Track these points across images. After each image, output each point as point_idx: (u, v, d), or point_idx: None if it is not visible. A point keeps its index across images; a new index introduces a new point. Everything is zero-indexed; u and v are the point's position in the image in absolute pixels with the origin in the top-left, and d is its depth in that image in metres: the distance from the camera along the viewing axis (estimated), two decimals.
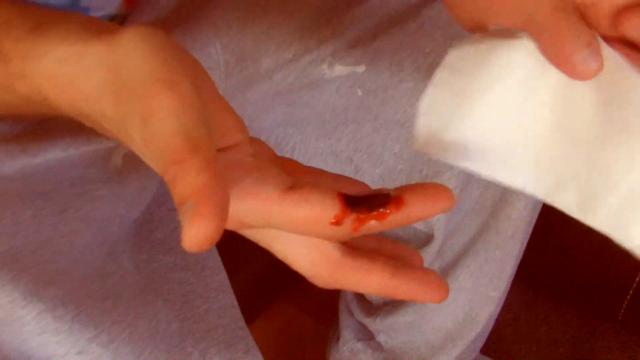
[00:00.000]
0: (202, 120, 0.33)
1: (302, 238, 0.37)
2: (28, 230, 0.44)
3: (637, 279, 0.92)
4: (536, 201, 0.72)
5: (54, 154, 0.46)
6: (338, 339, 0.89)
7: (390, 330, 0.82)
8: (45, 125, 0.47)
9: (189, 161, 0.32)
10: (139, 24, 0.36)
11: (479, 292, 0.74)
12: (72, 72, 0.37)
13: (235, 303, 0.60)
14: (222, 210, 0.31)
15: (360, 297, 0.86)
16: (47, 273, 0.44)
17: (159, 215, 0.58)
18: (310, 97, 0.63)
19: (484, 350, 0.87)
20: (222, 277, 0.60)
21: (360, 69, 0.61)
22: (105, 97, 0.36)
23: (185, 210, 0.31)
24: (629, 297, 0.94)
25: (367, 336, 0.86)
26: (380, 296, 0.40)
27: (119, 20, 0.57)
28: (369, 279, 0.38)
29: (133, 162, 0.52)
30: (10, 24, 0.39)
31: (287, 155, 0.67)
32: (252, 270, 0.88)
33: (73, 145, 0.47)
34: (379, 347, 0.85)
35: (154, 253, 0.56)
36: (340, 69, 0.61)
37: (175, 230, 0.59)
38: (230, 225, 0.36)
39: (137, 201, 0.54)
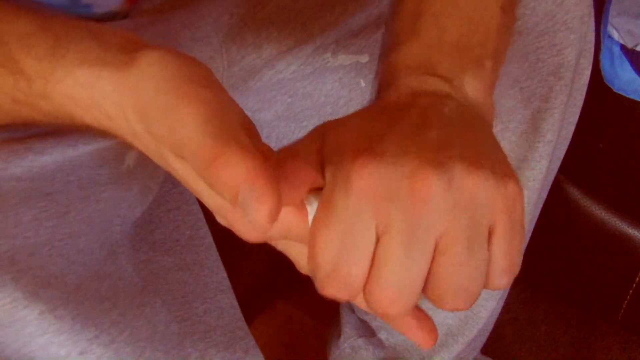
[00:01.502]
0: (229, 120, 0.35)
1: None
2: (27, 232, 0.44)
3: (637, 279, 0.92)
4: (537, 199, 0.71)
5: (61, 151, 0.46)
6: (339, 335, 0.89)
7: (391, 327, 0.82)
8: (52, 126, 0.47)
9: (226, 153, 0.33)
10: (154, 47, 0.37)
11: None
12: (92, 94, 0.38)
13: (235, 303, 0.60)
14: (275, 182, 0.33)
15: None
16: (46, 275, 0.44)
17: (158, 216, 0.58)
18: (312, 88, 0.63)
19: (484, 350, 0.87)
20: (222, 277, 0.60)
21: (364, 58, 0.61)
22: (133, 118, 0.37)
23: (243, 200, 0.32)
24: (629, 297, 0.94)
25: (369, 333, 0.86)
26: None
27: (121, 17, 0.57)
28: None
29: (140, 163, 0.52)
30: (30, 41, 0.40)
31: None
32: (252, 270, 0.88)
33: (81, 141, 0.47)
34: (380, 344, 0.85)
35: (153, 254, 0.56)
36: (343, 58, 0.61)
37: (175, 231, 0.58)
38: (251, 239, 0.38)
39: (139, 202, 0.54)
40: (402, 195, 0.34)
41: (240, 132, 0.35)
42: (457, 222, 0.35)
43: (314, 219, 0.36)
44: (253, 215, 0.32)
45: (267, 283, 0.95)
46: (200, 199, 0.40)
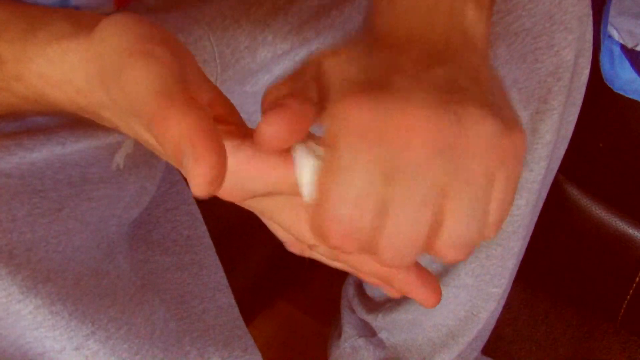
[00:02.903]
0: (176, 78, 0.33)
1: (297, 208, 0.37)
2: (23, 227, 0.44)
3: (637, 279, 0.92)
4: (538, 199, 0.71)
5: (51, 148, 0.46)
6: (340, 335, 0.89)
7: (391, 327, 0.82)
8: (41, 122, 0.47)
9: (169, 108, 0.31)
10: (117, 14, 0.37)
11: (480, 289, 0.74)
12: (62, 69, 0.38)
13: (233, 302, 0.60)
14: (219, 145, 0.31)
15: (362, 294, 0.86)
16: (43, 270, 0.44)
17: (156, 216, 0.58)
18: None
19: (484, 350, 0.87)
20: (220, 276, 0.60)
21: None
22: (97, 86, 0.37)
23: (184, 157, 0.31)
24: (629, 297, 0.94)
25: (369, 333, 0.86)
26: (375, 280, 0.41)
27: None
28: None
29: (134, 163, 0.52)
30: (3, 26, 0.40)
31: None
32: (251, 270, 0.88)
33: (70, 138, 0.47)
34: (380, 344, 0.85)
35: (151, 253, 0.56)
36: None
37: (173, 231, 0.59)
38: (235, 197, 0.36)
39: (135, 202, 0.54)
40: (406, 143, 0.32)
41: (198, 86, 0.34)
42: (465, 173, 0.33)
43: (324, 173, 0.34)
44: (191, 175, 0.31)
45: (267, 283, 0.95)
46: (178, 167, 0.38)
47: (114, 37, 0.35)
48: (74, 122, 0.47)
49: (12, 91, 0.41)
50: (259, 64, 0.59)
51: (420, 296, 0.40)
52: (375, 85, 0.33)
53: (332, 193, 0.33)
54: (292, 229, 0.39)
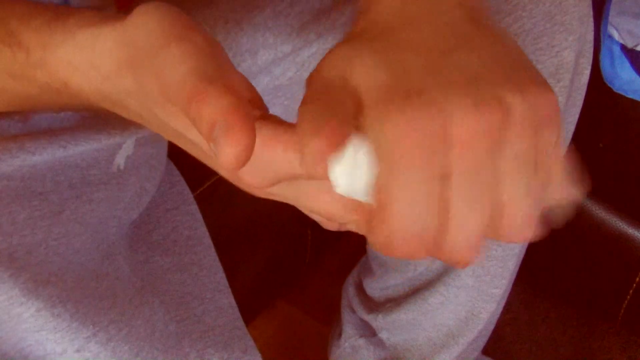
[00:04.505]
0: (215, 62, 0.34)
1: (328, 192, 0.36)
2: (24, 230, 0.44)
3: (637, 279, 0.92)
4: None
5: (52, 152, 0.46)
6: (340, 335, 0.89)
7: (392, 327, 0.82)
8: (43, 124, 0.47)
9: (208, 91, 0.33)
10: (148, 2, 0.37)
11: (480, 290, 0.74)
12: (90, 55, 0.38)
13: (233, 303, 0.60)
14: (251, 125, 0.32)
15: (362, 294, 0.86)
16: (44, 273, 0.44)
17: (156, 216, 0.58)
18: None
19: (483, 350, 0.87)
20: (220, 277, 0.60)
21: None
22: (126, 73, 0.37)
23: (216, 135, 0.32)
24: (629, 297, 0.94)
25: (369, 333, 0.86)
26: None
27: None
28: None
29: (134, 164, 0.52)
30: (30, 16, 0.40)
31: None
32: (252, 270, 0.88)
33: (71, 142, 0.47)
34: (380, 344, 0.85)
35: (151, 254, 0.56)
36: None
37: (173, 231, 0.59)
38: (256, 182, 0.36)
39: (135, 204, 0.54)
40: (458, 144, 0.32)
41: (230, 73, 0.35)
42: (516, 156, 0.33)
43: (379, 188, 0.33)
44: (221, 150, 0.32)
45: (267, 283, 0.95)
46: (195, 154, 0.39)
47: (149, 23, 0.36)
48: (76, 125, 0.47)
49: (34, 80, 0.41)
50: (260, 66, 0.59)
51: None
52: (411, 90, 0.33)
53: (394, 200, 0.33)
54: (321, 212, 0.38)
